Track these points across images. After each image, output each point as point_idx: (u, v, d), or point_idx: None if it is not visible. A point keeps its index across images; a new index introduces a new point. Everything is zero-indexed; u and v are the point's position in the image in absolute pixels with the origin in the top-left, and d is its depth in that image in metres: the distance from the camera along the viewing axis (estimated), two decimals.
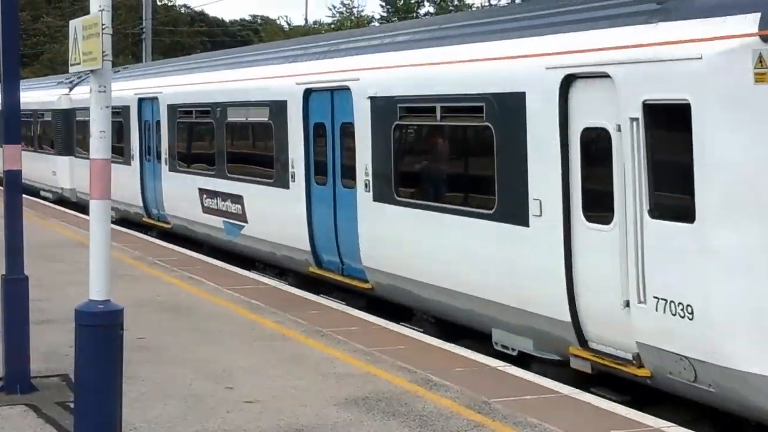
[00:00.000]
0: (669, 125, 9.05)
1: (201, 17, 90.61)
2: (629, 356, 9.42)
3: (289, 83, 15.66)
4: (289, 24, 71.56)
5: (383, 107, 13.11)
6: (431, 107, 12.22)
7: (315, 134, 15.02)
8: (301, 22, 67.49)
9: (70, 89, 28.46)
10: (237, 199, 17.46)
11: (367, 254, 13.59)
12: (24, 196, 10.08)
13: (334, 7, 63.05)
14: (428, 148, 12.90)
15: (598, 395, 9.44)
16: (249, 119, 17.35)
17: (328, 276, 14.82)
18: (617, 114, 9.30)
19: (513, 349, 11.03)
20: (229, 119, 18.17)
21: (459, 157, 12.37)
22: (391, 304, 13.54)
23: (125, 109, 22.86)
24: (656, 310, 8.96)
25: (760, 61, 8.28)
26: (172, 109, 20.82)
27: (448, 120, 12.13)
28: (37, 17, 77.18)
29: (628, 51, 9.32)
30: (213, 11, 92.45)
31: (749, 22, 8.31)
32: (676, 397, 9.33)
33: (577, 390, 9.51)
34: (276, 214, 16.03)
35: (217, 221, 18.48)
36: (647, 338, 9.15)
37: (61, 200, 28.36)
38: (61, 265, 16.71)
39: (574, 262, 10.00)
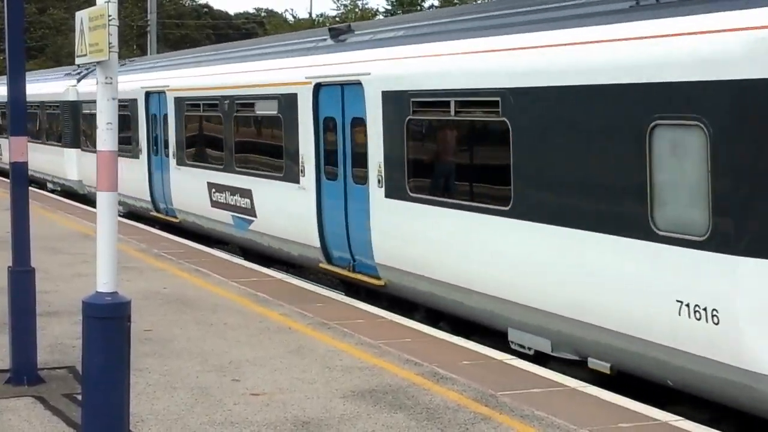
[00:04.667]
0: None
1: (206, 10, 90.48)
2: None
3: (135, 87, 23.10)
4: (294, 17, 71.49)
5: (180, 103, 20.79)
6: (199, 104, 19.94)
7: (150, 118, 22.75)
8: (306, 15, 67.46)
9: None
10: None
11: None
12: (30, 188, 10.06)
13: (339, 0, 62.97)
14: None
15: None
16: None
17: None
18: None
19: None
20: None
21: (214, 131, 19.14)
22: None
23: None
24: None
25: None
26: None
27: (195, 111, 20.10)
28: (43, 9, 77.25)
29: None
30: (217, 4, 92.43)
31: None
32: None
33: (584, 383, 9.49)
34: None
35: None
36: None
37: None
38: (66, 257, 16.73)
39: None
